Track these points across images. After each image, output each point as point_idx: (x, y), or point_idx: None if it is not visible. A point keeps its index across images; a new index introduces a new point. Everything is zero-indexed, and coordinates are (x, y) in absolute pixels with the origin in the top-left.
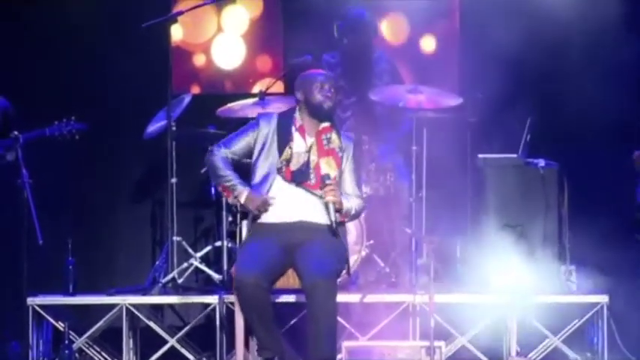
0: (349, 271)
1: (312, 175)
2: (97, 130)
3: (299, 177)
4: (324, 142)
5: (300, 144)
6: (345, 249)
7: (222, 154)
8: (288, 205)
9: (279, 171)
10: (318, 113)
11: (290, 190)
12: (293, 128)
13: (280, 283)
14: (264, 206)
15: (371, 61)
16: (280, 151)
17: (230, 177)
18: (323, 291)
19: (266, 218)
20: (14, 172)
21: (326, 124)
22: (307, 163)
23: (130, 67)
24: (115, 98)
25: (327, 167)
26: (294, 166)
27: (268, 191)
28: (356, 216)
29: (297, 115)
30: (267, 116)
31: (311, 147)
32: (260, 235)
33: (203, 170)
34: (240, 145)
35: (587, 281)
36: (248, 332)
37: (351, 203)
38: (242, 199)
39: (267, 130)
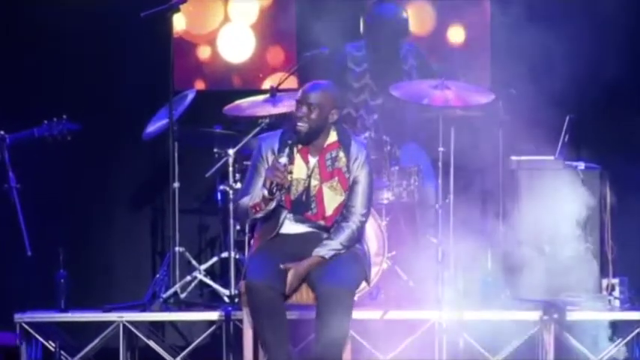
0: (369, 281)
1: (313, 205)
2: (91, 130)
3: (298, 208)
4: (328, 162)
5: (301, 168)
6: (366, 256)
7: (244, 202)
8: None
9: (279, 201)
10: (297, 136)
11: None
12: (295, 150)
13: (293, 299)
14: (279, 172)
15: (400, 59)
16: None
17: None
18: (336, 300)
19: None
20: (0, 176)
21: (332, 140)
22: (307, 191)
23: (127, 61)
24: (111, 95)
25: (332, 192)
26: (293, 194)
27: (280, 225)
28: (349, 247)
29: None
30: (268, 138)
31: (312, 171)
32: (271, 246)
33: (208, 174)
34: (257, 185)
35: (632, 296)
36: (256, 351)
37: (335, 245)
38: (266, 193)
39: (271, 154)
